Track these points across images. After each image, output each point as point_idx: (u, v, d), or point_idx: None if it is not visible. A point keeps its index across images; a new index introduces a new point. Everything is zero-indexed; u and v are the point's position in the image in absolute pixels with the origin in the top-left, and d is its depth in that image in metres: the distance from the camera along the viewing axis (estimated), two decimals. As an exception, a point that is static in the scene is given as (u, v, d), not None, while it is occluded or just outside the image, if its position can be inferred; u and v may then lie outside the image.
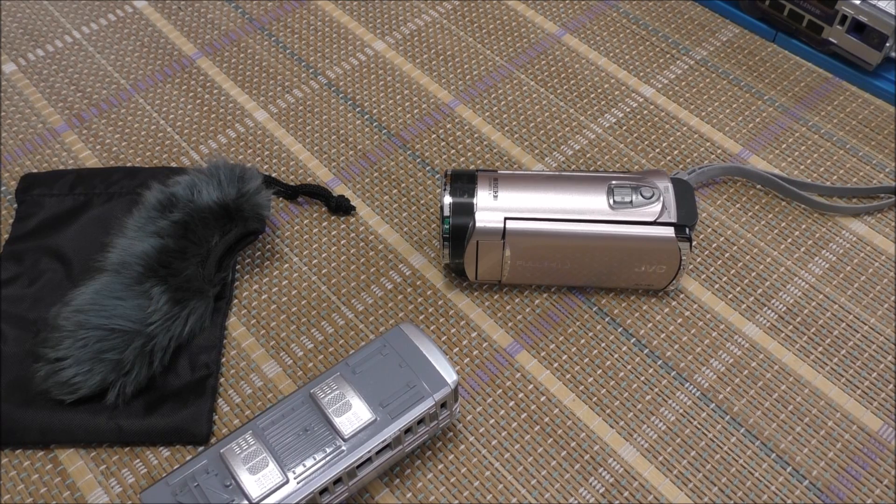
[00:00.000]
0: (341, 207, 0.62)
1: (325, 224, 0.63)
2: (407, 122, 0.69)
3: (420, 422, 0.48)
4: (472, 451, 0.52)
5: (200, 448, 0.52)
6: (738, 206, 0.64)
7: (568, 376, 0.55)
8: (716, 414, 0.53)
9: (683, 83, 0.72)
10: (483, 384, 0.55)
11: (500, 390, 0.54)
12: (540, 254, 0.55)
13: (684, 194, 0.55)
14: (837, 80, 0.72)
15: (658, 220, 0.54)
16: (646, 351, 0.56)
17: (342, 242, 0.62)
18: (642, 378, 0.55)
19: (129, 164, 0.66)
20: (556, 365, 0.55)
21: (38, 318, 0.55)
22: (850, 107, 0.70)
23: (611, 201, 0.54)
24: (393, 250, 0.61)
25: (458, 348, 0.56)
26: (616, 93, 0.71)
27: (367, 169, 0.66)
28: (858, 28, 0.69)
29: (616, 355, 0.56)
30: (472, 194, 0.54)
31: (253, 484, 0.44)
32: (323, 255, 0.61)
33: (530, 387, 0.55)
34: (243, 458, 0.45)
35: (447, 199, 0.54)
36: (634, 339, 0.57)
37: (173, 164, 0.66)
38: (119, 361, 0.51)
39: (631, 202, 0.54)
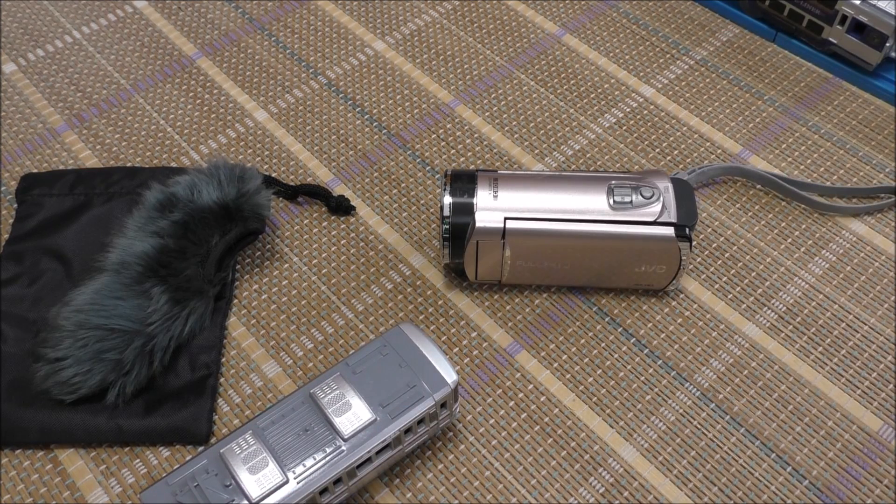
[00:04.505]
0: (341, 207, 0.62)
1: (325, 224, 0.63)
2: (407, 122, 0.69)
3: (420, 422, 0.48)
4: (472, 451, 0.52)
5: (200, 448, 0.52)
6: (738, 206, 0.64)
7: (568, 376, 0.55)
8: (716, 414, 0.53)
9: (683, 83, 0.72)
10: (483, 384, 0.55)
11: (500, 390, 0.54)
12: (540, 254, 0.55)
13: (684, 194, 0.55)
14: (837, 80, 0.72)
15: (658, 220, 0.54)
16: (646, 351, 0.56)
17: (342, 242, 0.62)
18: (642, 378, 0.55)
19: (129, 164, 0.66)
20: (555, 365, 0.55)
21: (38, 318, 0.55)
22: (850, 107, 0.70)
23: (611, 201, 0.54)
24: (393, 250, 0.61)
25: (458, 348, 0.56)
26: (616, 93, 0.71)
27: (367, 169, 0.66)
28: (858, 28, 0.69)
29: (616, 355, 0.56)
30: (472, 194, 0.54)
31: (253, 484, 0.44)
32: (323, 255, 0.61)
33: (530, 387, 0.55)
34: (243, 458, 0.45)
35: (447, 199, 0.54)
36: (634, 339, 0.57)
37: (173, 164, 0.66)
38: (119, 361, 0.51)
39: (631, 202, 0.54)
